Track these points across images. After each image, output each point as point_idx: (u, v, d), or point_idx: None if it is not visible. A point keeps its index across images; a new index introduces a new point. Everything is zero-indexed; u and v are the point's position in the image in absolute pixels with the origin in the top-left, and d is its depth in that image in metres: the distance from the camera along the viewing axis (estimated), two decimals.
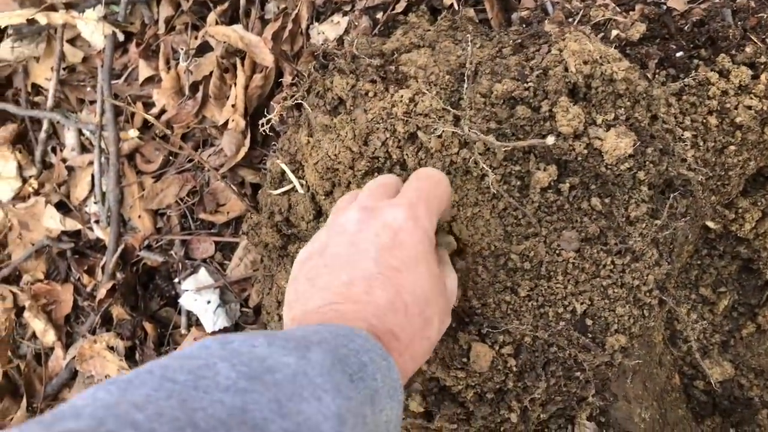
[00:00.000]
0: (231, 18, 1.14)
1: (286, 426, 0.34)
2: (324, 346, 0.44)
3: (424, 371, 0.77)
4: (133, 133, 1.15)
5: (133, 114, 1.22)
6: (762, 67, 0.78)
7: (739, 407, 0.90)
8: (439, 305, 0.59)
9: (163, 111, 1.16)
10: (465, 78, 0.77)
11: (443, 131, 0.72)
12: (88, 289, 1.22)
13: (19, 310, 1.28)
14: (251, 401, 0.35)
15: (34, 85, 1.40)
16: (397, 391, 0.49)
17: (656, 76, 0.82)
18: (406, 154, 0.75)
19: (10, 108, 1.37)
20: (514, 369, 0.73)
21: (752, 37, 0.80)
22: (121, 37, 1.24)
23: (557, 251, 0.73)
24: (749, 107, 0.77)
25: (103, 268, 1.19)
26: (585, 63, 0.73)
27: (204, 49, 1.14)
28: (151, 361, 0.39)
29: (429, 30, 0.90)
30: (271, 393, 0.36)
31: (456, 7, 0.95)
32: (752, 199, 0.85)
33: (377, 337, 0.51)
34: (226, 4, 1.12)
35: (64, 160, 1.32)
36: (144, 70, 1.21)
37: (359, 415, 0.42)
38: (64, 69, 1.35)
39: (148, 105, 1.23)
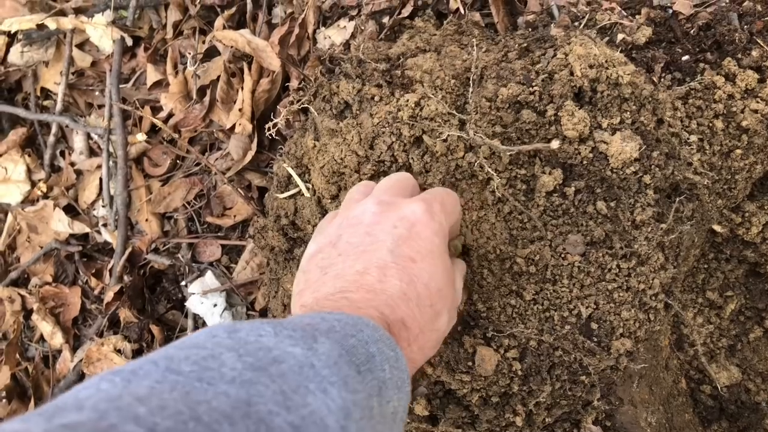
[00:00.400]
0: (238, 22, 1.15)
1: (290, 419, 0.34)
2: (332, 336, 0.44)
3: (429, 375, 0.77)
4: (141, 137, 1.16)
5: (140, 118, 1.23)
6: None
7: (746, 412, 0.89)
8: (450, 300, 0.59)
9: (170, 115, 1.17)
10: (470, 82, 0.77)
11: (449, 135, 0.73)
12: (96, 292, 1.23)
13: (28, 313, 1.29)
14: (256, 393, 0.34)
15: (44, 89, 1.41)
16: (404, 383, 0.49)
17: (662, 79, 0.82)
18: (412, 158, 0.76)
19: (20, 112, 1.39)
20: (519, 373, 0.73)
21: (759, 41, 0.80)
22: (129, 41, 1.25)
23: (563, 255, 0.73)
24: (755, 111, 0.77)
25: (110, 271, 1.19)
26: (590, 67, 0.74)
27: (211, 53, 1.15)
28: (158, 350, 0.39)
29: (435, 34, 0.91)
30: (277, 385, 0.36)
31: (462, 12, 0.95)
32: (759, 203, 0.84)
33: (387, 326, 0.52)
34: (234, 9, 1.13)
35: (72, 164, 1.33)
36: (152, 75, 1.22)
37: (366, 407, 0.41)
38: (72, 73, 1.36)
39: (155, 109, 1.23)
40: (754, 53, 0.79)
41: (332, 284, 0.55)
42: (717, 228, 0.86)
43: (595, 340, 0.73)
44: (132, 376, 0.34)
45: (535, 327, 0.73)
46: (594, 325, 0.73)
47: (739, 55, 0.80)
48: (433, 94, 0.76)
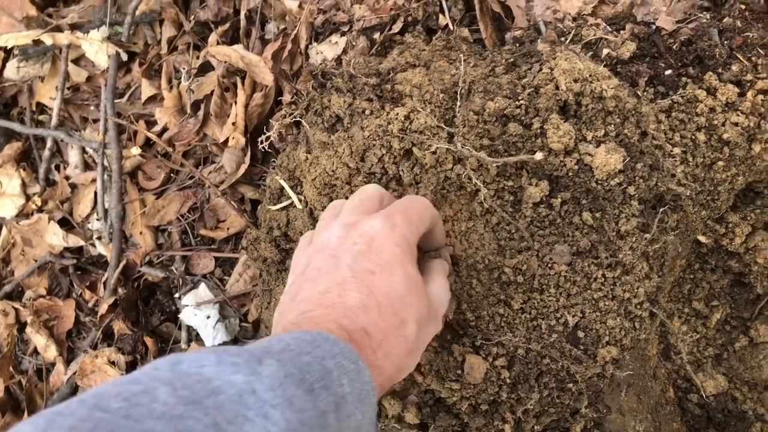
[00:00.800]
0: (232, 38, 1.17)
1: None
2: (283, 356, 0.44)
3: (420, 383, 0.78)
4: (135, 150, 1.18)
5: (135, 132, 1.25)
6: (748, 84, 0.80)
7: (733, 420, 0.90)
8: (417, 308, 0.59)
9: (165, 129, 1.18)
10: (458, 96, 0.79)
11: (437, 148, 0.74)
12: (90, 305, 1.23)
13: (21, 326, 1.30)
14: (185, 428, 0.34)
15: (39, 104, 1.42)
16: (368, 395, 0.49)
17: (646, 93, 0.84)
18: (402, 170, 0.77)
19: (15, 126, 1.40)
20: (508, 381, 0.74)
21: (738, 56, 0.82)
22: (124, 57, 1.26)
23: (549, 265, 0.75)
24: (736, 124, 0.79)
25: (105, 283, 1.20)
26: (575, 81, 0.76)
27: (205, 68, 1.17)
28: (93, 388, 0.38)
29: (424, 50, 0.93)
30: (210, 418, 0.35)
31: (451, 27, 0.97)
32: (742, 214, 0.86)
33: (348, 336, 0.52)
34: (227, 25, 1.15)
35: (67, 178, 1.34)
36: (147, 89, 1.23)
37: (318, 425, 0.41)
38: (68, 88, 1.38)
39: (150, 123, 1.25)
40: (734, 68, 0.81)
41: (297, 309, 0.55)
42: (702, 238, 0.88)
43: (582, 348, 0.74)
44: (56, 417, 0.33)
45: (523, 335, 0.75)
46: (580, 334, 0.74)
47: (720, 70, 0.82)
48: (422, 108, 0.78)
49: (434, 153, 0.75)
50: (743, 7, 0.84)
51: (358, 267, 0.56)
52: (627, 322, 0.74)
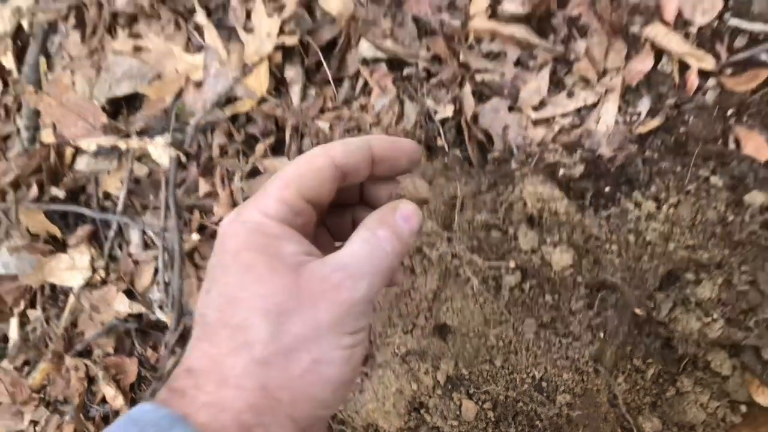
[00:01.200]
0: (273, 149, 1.48)
1: None
2: None
3: (428, 422, 1.05)
4: (195, 237, 1.46)
5: (190, 219, 1.54)
6: (662, 200, 1.11)
7: None
8: (262, 298, 0.45)
9: (220, 219, 1.48)
10: (456, 210, 1.09)
11: (440, 249, 1.04)
12: (151, 362, 1.49)
13: (90, 380, 1.55)
14: None
15: (105, 193, 1.71)
16: None
17: (591, 204, 1.14)
18: (414, 262, 1.06)
19: (85, 211, 1.68)
20: (492, 419, 1.01)
21: (656, 180, 1.13)
22: (183, 159, 1.57)
23: (522, 333, 1.03)
24: (655, 229, 1.09)
25: (165, 344, 1.47)
26: (538, 201, 1.06)
27: (254, 172, 1.47)
28: None
29: (428, 168, 1.23)
30: None
31: (446, 148, 1.28)
32: (666, 293, 1.15)
33: (166, 391, 0.45)
34: (273, 138, 1.46)
35: (130, 255, 1.62)
36: (203, 186, 1.53)
37: None
38: (130, 180, 1.67)
39: (204, 211, 1.54)
40: (653, 188, 1.12)
41: None
42: (637, 311, 1.17)
43: (545, 394, 1.02)
44: None
45: (503, 385, 1.02)
46: (544, 384, 1.02)
47: (643, 189, 1.13)
48: (429, 218, 1.08)
49: (438, 251, 1.04)
50: (660, 143, 1.16)
51: (204, 295, 0.48)
52: (577, 376, 1.02)
